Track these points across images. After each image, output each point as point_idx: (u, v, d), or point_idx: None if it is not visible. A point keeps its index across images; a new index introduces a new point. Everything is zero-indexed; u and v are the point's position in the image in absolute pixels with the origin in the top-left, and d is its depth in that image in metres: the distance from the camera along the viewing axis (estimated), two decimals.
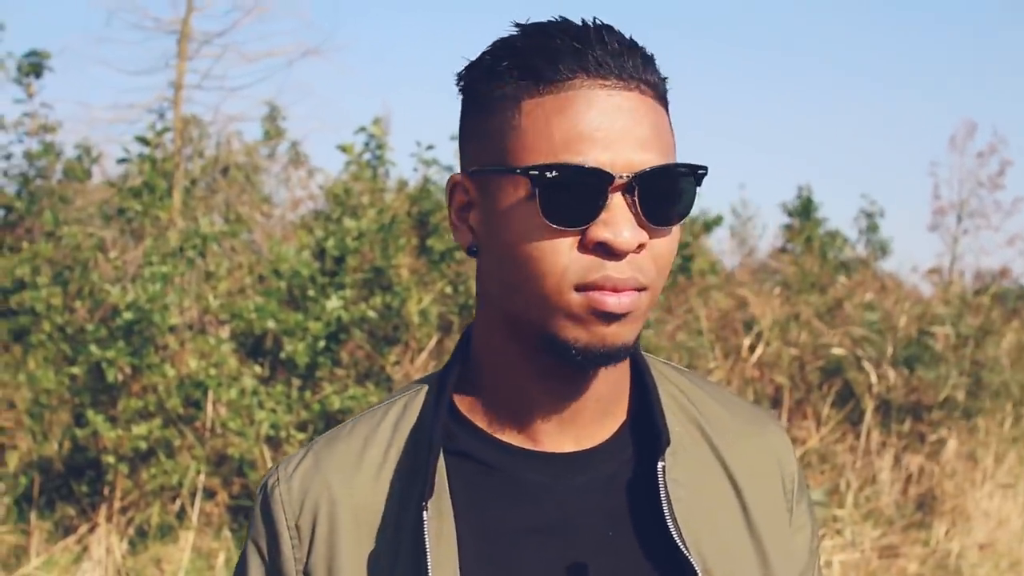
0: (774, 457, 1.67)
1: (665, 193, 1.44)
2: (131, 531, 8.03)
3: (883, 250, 16.58)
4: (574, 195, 1.42)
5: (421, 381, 1.66)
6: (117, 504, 8.04)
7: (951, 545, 9.04)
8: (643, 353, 1.68)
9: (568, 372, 1.51)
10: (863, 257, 15.54)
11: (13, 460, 8.44)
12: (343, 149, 10.14)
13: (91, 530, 8.00)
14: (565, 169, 1.42)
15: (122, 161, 10.16)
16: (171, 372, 8.07)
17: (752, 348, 10.45)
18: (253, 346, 9.01)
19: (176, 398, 8.09)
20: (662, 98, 1.49)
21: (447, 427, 1.56)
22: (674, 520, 1.51)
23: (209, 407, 8.18)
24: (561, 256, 1.43)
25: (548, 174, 1.42)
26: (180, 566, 7.80)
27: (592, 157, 1.41)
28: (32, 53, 9.73)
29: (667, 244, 1.46)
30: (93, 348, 8.05)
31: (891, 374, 10.37)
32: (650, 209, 1.42)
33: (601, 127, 1.42)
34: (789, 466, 1.68)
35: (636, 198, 1.42)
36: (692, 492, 1.56)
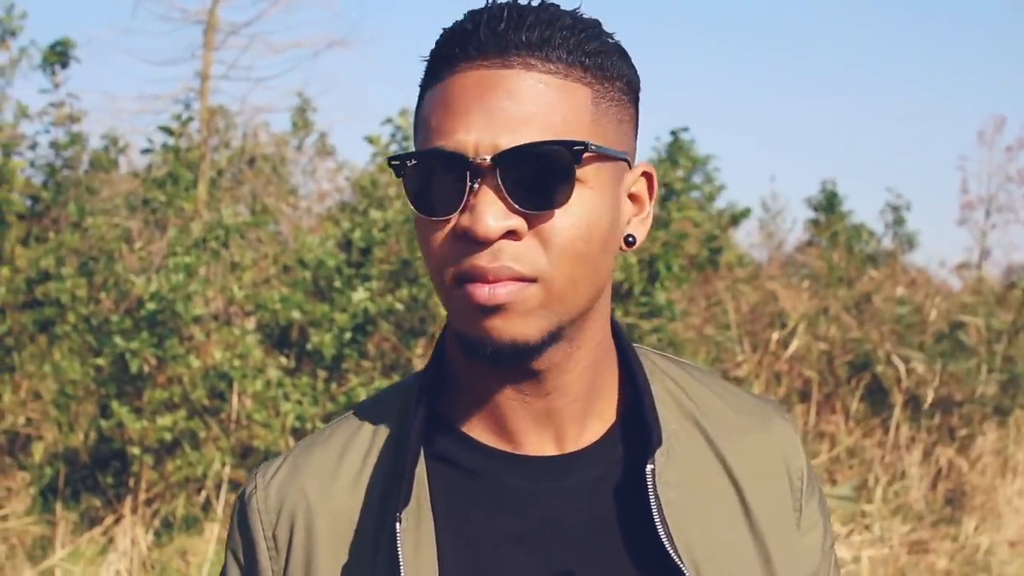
0: (779, 453, 1.59)
1: (535, 174, 1.34)
2: (156, 523, 8.02)
3: (910, 243, 16.53)
4: (437, 182, 1.37)
5: (402, 384, 1.61)
6: (142, 495, 8.03)
7: (980, 541, 8.97)
8: (638, 346, 1.62)
9: (509, 371, 1.45)
10: (890, 250, 15.49)
11: (39, 451, 8.44)
12: (370, 140, 10.10)
13: (116, 521, 7.99)
14: (423, 155, 1.38)
15: (147, 151, 10.15)
16: (196, 363, 8.06)
17: (781, 342, 10.40)
18: (279, 337, 9.00)
19: (201, 389, 8.08)
20: (573, 72, 1.38)
21: (427, 431, 1.51)
22: (664, 524, 1.44)
23: (234, 398, 8.17)
24: (438, 248, 1.38)
25: (409, 163, 1.39)
26: (205, 558, 7.79)
27: (455, 140, 1.35)
28: (58, 43, 9.71)
29: (563, 229, 1.36)
30: (118, 339, 8.04)
31: (921, 368, 10.31)
32: (519, 192, 1.34)
33: (469, 109, 1.36)
34: (796, 462, 1.60)
35: (500, 181, 1.34)
36: (687, 494, 1.49)
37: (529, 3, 1.40)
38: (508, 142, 1.33)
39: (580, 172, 1.36)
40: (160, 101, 13.85)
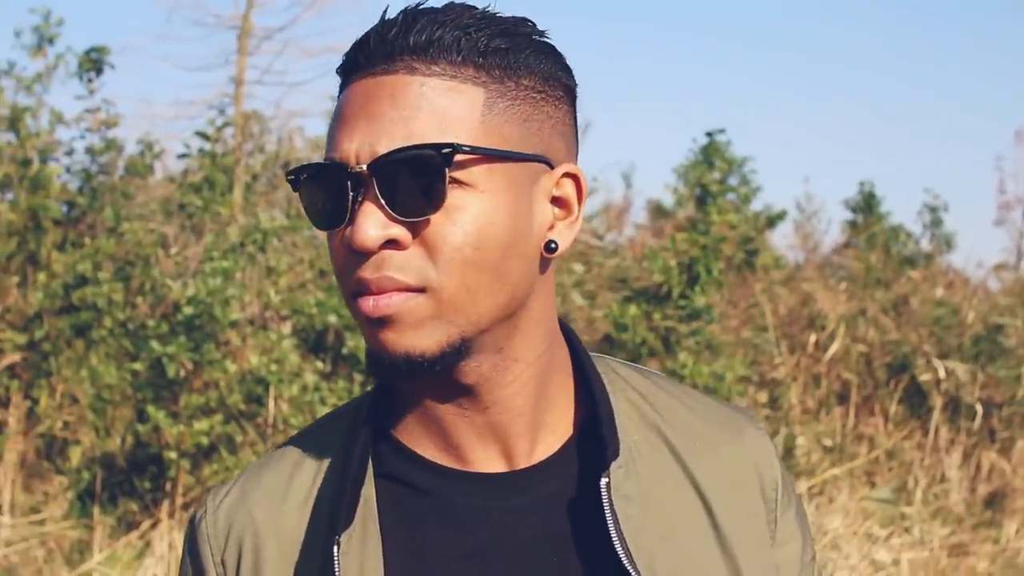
0: (751, 464, 1.52)
1: (408, 181, 1.30)
2: None
3: (948, 244, 16.42)
4: (326, 194, 1.34)
5: (354, 402, 1.57)
6: (179, 500, 8.05)
7: (1022, 543, 8.92)
8: (599, 356, 1.57)
9: (440, 386, 1.41)
10: (928, 252, 15.40)
11: (76, 455, 8.47)
12: None
13: (153, 526, 8.01)
14: (310, 168, 1.36)
15: (182, 156, 10.17)
16: (232, 368, 8.07)
17: (819, 344, 10.35)
18: (315, 342, 9.00)
19: (237, 394, 8.09)
20: (463, 72, 1.34)
21: (377, 450, 1.47)
22: (622, 540, 1.38)
23: (271, 403, 8.18)
24: (336, 261, 1.36)
25: (302, 177, 1.37)
26: None
27: (341, 150, 1.32)
28: (93, 49, 9.74)
29: (449, 235, 1.31)
30: (154, 344, 8.06)
31: (960, 370, 10.25)
32: (396, 200, 1.30)
33: (354, 118, 1.33)
34: (770, 472, 1.53)
35: (378, 190, 1.30)
36: (648, 508, 1.43)
37: (427, 7, 1.37)
38: (385, 149, 1.30)
39: (462, 175, 1.31)
40: (195, 106, 13.90)
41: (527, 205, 1.37)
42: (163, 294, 8.70)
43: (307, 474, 1.49)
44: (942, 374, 10.14)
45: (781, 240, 21.73)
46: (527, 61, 1.37)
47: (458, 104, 1.32)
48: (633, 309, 8.85)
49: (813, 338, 10.34)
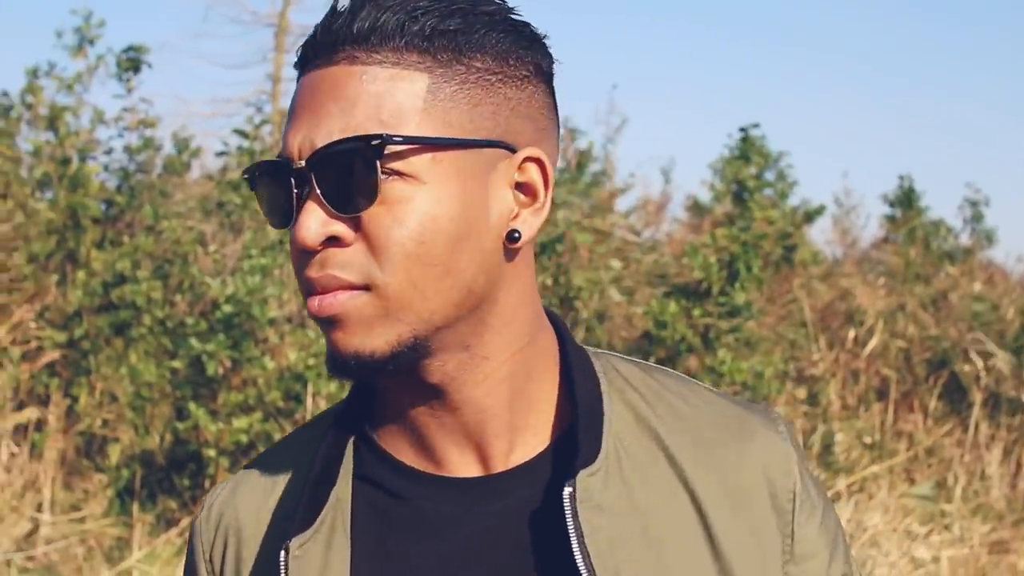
0: (758, 471, 1.40)
1: (343, 175, 1.26)
2: None
3: (988, 239, 16.32)
4: (275, 191, 1.31)
5: (342, 403, 1.52)
6: None
7: None
8: (602, 352, 1.49)
9: (406, 385, 1.36)
10: (968, 247, 15.30)
11: (115, 453, 8.51)
12: None
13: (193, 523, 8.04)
14: (261, 166, 1.33)
15: (221, 154, 10.21)
16: (271, 365, 8.10)
17: (858, 339, 10.31)
18: None
19: (276, 391, 8.12)
20: (406, 58, 1.29)
21: (358, 452, 1.42)
22: (584, 554, 1.30)
23: (309, 400, 8.19)
24: (292, 260, 1.32)
25: (256, 175, 1.34)
26: None
27: (287, 146, 1.29)
28: (130, 48, 9.79)
29: (389, 229, 1.26)
30: (193, 341, 8.10)
31: (1000, 365, 10.18)
32: (333, 195, 1.26)
33: (296, 113, 1.30)
34: (785, 480, 1.40)
35: (316, 185, 1.26)
36: (627, 519, 1.34)
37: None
38: (322, 143, 1.26)
39: (402, 166, 1.26)
40: (232, 104, 14.00)
41: (481, 194, 1.31)
42: (202, 292, 8.74)
43: (286, 472, 1.47)
44: (982, 370, 10.07)
45: (819, 235, 21.63)
46: (481, 41, 1.31)
47: (399, 92, 1.28)
48: (672, 306, 8.82)
49: (852, 334, 10.30)
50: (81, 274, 8.97)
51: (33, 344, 8.85)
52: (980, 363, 10.12)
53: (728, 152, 11.11)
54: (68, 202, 9.05)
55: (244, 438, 7.96)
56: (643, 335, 9.17)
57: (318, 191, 1.26)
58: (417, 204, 1.27)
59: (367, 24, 1.28)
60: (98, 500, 8.35)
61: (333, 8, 1.31)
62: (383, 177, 1.26)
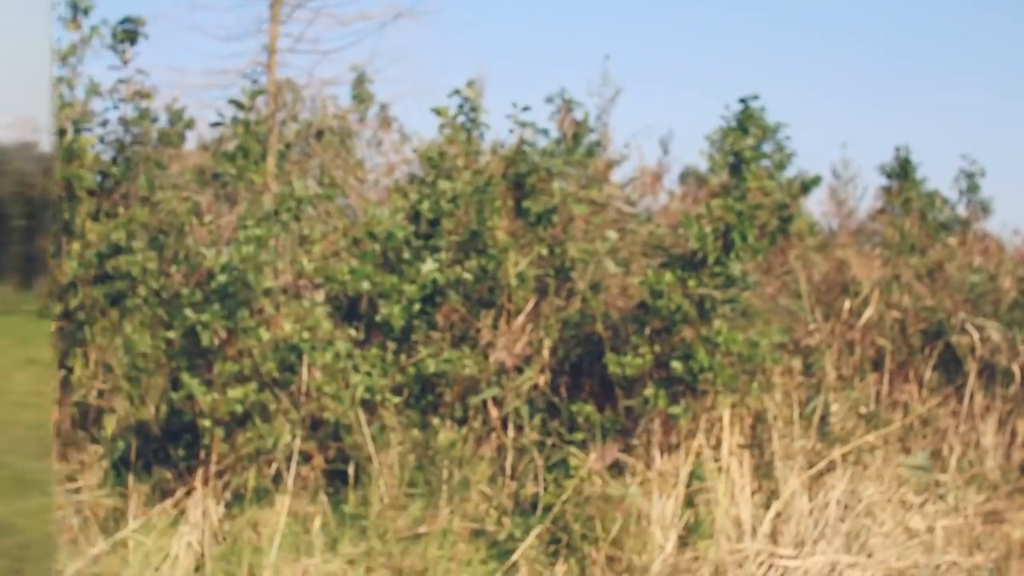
0: None
1: None
2: (227, 495, 8.06)
3: (984, 210, 16.28)
4: None
5: None
6: (213, 468, 8.07)
7: None
8: None
9: None
10: (964, 218, 15.26)
11: (110, 424, 8.50)
12: (437, 112, 10.07)
13: (188, 494, 8.04)
14: None
15: (216, 125, 10.18)
16: (266, 336, 8.09)
17: (853, 310, 10.28)
18: (348, 309, 9.00)
19: (271, 362, 8.11)
20: None
21: None
22: None
23: (304, 371, 8.18)
24: None
25: None
26: (276, 529, 7.82)
27: None
28: (126, 20, 9.75)
29: None
30: (188, 312, 8.08)
31: (995, 337, 10.16)
32: None
33: None
34: None
35: None
36: None
37: None
38: None
39: None
40: (228, 75, 13.84)
41: None
42: (197, 262, 8.72)
43: None
44: (977, 341, 10.05)
45: (816, 206, 21.54)
46: None
47: None
48: (668, 276, 8.79)
49: (847, 305, 10.27)
50: (76, 245, 8.96)
51: None
52: (976, 334, 10.10)
53: (726, 123, 11.07)
54: (63, 174, 9.02)
55: (239, 408, 7.95)
56: (639, 305, 9.15)
57: None
58: None
59: None
60: (93, 471, 8.35)
61: None
62: None
